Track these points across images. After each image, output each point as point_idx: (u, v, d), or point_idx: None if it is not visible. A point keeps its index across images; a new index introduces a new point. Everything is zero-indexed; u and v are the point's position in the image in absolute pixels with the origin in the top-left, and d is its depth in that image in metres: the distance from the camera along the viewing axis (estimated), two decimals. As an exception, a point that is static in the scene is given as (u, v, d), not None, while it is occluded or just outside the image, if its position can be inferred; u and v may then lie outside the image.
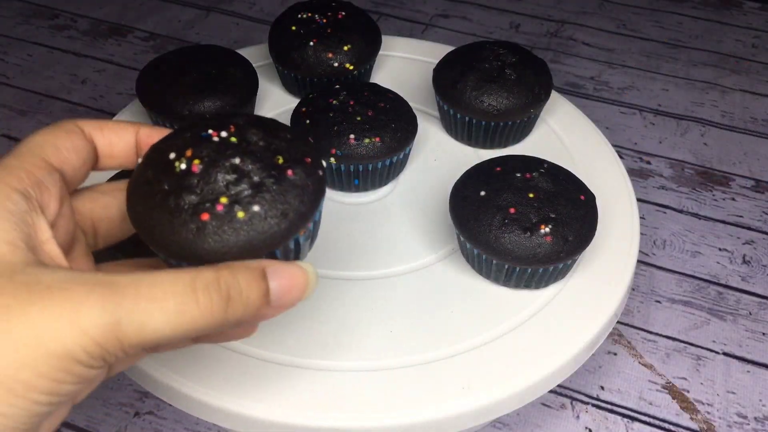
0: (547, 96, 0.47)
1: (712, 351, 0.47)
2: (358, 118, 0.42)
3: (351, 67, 0.49)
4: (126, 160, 0.28)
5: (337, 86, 0.46)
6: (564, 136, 0.49)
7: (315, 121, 0.43)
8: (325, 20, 0.50)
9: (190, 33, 0.75)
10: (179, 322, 0.22)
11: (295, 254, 0.26)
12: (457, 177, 0.41)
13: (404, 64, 0.55)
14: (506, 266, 0.38)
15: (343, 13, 0.50)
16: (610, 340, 0.48)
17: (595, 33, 0.76)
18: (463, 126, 0.47)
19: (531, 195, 0.38)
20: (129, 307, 0.21)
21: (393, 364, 0.35)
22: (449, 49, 0.54)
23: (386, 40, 0.56)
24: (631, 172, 0.60)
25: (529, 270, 0.38)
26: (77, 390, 0.22)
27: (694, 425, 0.43)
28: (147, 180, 0.25)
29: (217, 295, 0.23)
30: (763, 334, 0.48)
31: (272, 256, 0.25)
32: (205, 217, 0.23)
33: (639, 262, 0.52)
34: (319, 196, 0.25)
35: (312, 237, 0.27)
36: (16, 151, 0.25)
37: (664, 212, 0.57)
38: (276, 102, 0.52)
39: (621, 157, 0.56)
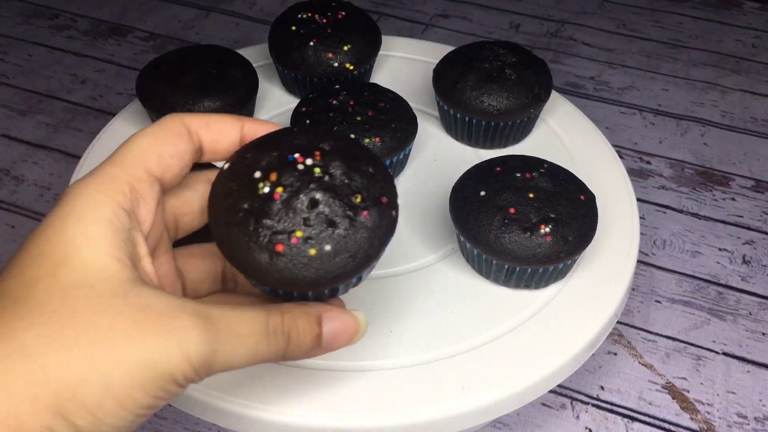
0: (547, 96, 0.47)
1: (712, 351, 0.47)
2: (358, 118, 0.42)
3: (351, 67, 0.49)
4: (228, 154, 0.29)
5: (337, 86, 0.46)
6: (564, 136, 0.49)
7: (315, 121, 0.43)
8: (325, 20, 0.50)
9: (190, 33, 0.75)
10: (252, 358, 0.25)
11: (355, 284, 0.28)
12: (457, 177, 0.41)
13: (404, 64, 0.55)
14: (506, 266, 0.38)
15: (343, 13, 0.50)
16: (610, 340, 0.48)
17: (595, 33, 0.76)
18: (463, 126, 0.47)
19: (531, 195, 0.38)
20: (223, 341, 0.24)
21: (393, 364, 0.35)
22: (449, 49, 0.54)
23: (386, 40, 0.56)
24: (631, 172, 0.60)
25: (529, 270, 0.38)
26: (163, 403, 0.24)
27: (694, 425, 0.43)
28: (230, 192, 0.26)
29: (281, 337, 0.26)
30: (763, 334, 0.48)
31: (335, 292, 0.28)
32: (280, 248, 0.25)
33: (639, 262, 0.52)
34: (388, 238, 0.27)
35: (373, 268, 0.28)
36: (120, 157, 0.26)
37: (664, 212, 0.57)
38: (276, 102, 0.52)
39: (621, 157, 0.56)
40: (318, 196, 0.26)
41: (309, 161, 0.26)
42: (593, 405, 0.44)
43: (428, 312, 0.38)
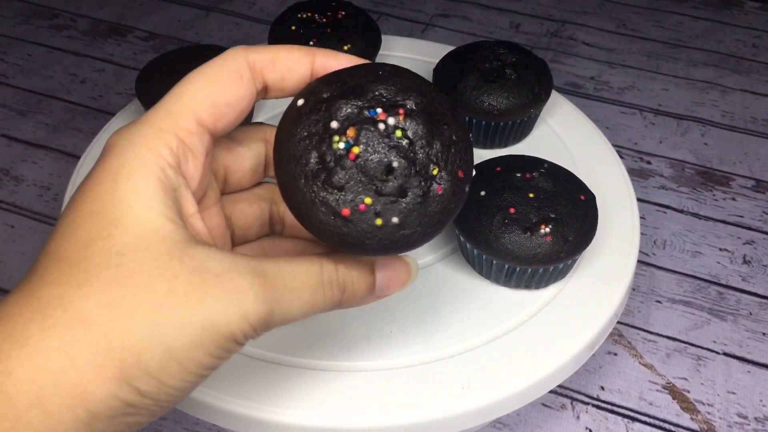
0: (548, 96, 0.47)
1: (713, 351, 0.47)
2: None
3: (351, 67, 0.49)
4: (296, 90, 0.27)
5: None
6: (564, 136, 0.49)
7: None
8: (324, 20, 0.50)
9: (189, 33, 0.75)
10: (309, 310, 0.25)
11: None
12: (457, 177, 0.41)
13: (404, 64, 0.55)
14: (506, 266, 0.38)
15: (343, 13, 0.50)
16: (610, 340, 0.48)
17: (595, 33, 0.76)
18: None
19: (531, 195, 0.38)
20: (279, 297, 0.24)
21: (393, 364, 0.35)
22: (449, 48, 0.53)
23: (386, 39, 0.56)
24: (632, 172, 0.60)
25: (529, 270, 0.38)
26: (223, 363, 0.24)
27: (694, 425, 0.43)
28: (302, 137, 0.25)
29: (337, 288, 0.26)
30: (764, 334, 0.48)
31: None
32: (347, 212, 0.24)
33: (639, 262, 0.52)
34: (455, 213, 0.26)
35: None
36: (169, 104, 0.25)
37: (665, 212, 0.57)
38: (276, 102, 0.52)
39: (621, 157, 0.56)
40: (395, 163, 0.24)
41: (391, 120, 0.25)
42: (593, 405, 0.44)
43: (428, 312, 0.38)
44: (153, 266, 0.22)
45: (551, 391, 0.44)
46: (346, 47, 0.49)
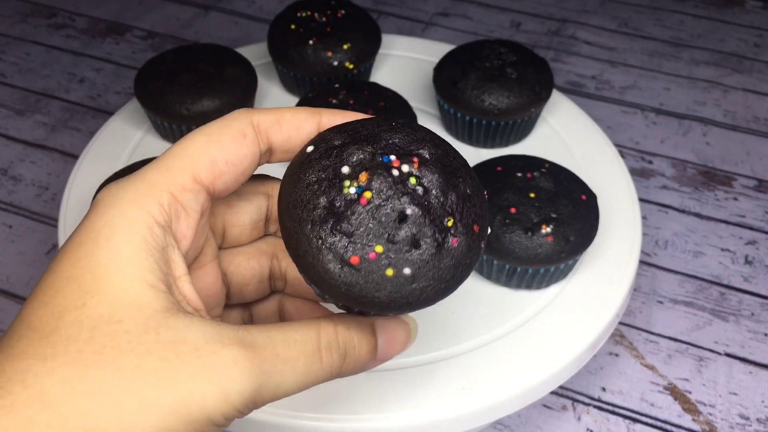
0: (548, 95, 0.47)
1: (714, 352, 0.47)
2: (358, 117, 0.42)
3: (351, 66, 0.49)
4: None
5: (337, 85, 0.46)
6: (565, 135, 0.49)
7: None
8: (324, 19, 0.49)
9: (188, 32, 0.75)
10: (305, 382, 0.23)
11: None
12: (458, 176, 0.41)
13: (404, 63, 0.55)
14: (507, 267, 0.38)
15: (343, 12, 0.50)
16: (611, 341, 0.47)
17: (596, 32, 0.76)
18: (463, 125, 0.47)
19: (532, 195, 0.38)
20: (269, 370, 0.21)
21: (393, 364, 0.35)
22: (450, 47, 0.53)
23: (386, 38, 0.56)
24: (633, 172, 0.59)
25: (530, 270, 0.38)
26: None
27: (696, 427, 0.43)
28: (310, 182, 0.23)
29: (336, 353, 0.24)
30: (766, 334, 0.48)
31: None
32: (355, 260, 0.22)
33: (641, 262, 0.52)
34: (470, 270, 0.24)
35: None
36: (166, 160, 0.23)
37: (666, 212, 0.56)
38: (275, 101, 0.52)
39: (623, 156, 0.56)
40: (408, 211, 0.23)
41: (405, 168, 0.23)
42: (594, 406, 0.44)
43: (428, 312, 0.38)
44: (125, 340, 0.20)
45: (552, 392, 0.43)
46: (345, 46, 0.48)
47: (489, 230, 0.25)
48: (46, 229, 0.54)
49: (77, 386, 0.19)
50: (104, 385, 0.19)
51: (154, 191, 0.22)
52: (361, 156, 0.23)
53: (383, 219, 0.23)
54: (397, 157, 0.23)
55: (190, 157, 0.23)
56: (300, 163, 0.24)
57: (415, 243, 0.23)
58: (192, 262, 0.26)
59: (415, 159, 0.24)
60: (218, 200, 0.26)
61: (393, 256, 0.23)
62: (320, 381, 0.23)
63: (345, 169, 0.23)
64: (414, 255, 0.23)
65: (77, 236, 0.22)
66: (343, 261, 0.22)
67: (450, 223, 0.23)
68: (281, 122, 0.25)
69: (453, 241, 0.23)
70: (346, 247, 0.22)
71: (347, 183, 0.23)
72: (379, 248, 0.23)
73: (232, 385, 0.20)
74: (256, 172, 0.27)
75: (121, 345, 0.20)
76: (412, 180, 0.23)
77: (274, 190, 0.28)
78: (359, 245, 0.23)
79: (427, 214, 0.23)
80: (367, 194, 0.23)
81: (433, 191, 0.23)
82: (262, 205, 0.27)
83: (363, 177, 0.23)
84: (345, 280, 0.23)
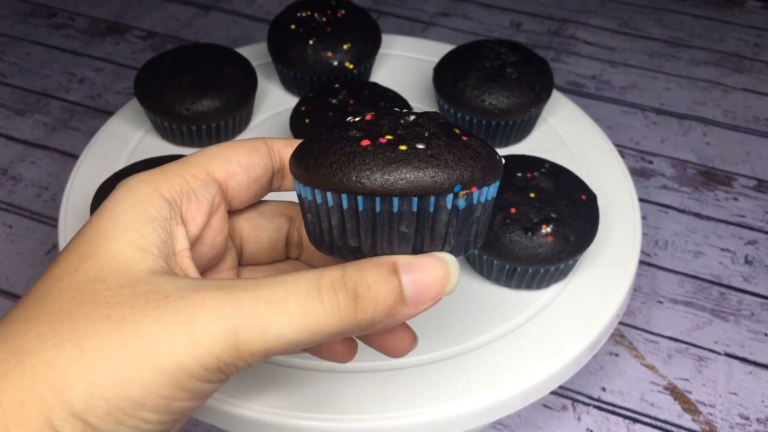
0: (548, 95, 0.47)
1: (714, 352, 0.47)
2: (358, 117, 0.42)
3: (351, 66, 0.49)
4: None
5: (337, 85, 0.46)
6: (565, 135, 0.49)
7: (314, 120, 0.43)
8: (324, 19, 0.49)
9: (188, 31, 0.74)
10: (304, 325, 0.20)
11: (449, 226, 0.23)
12: (458, 176, 0.41)
13: (404, 63, 0.55)
14: (507, 267, 0.38)
15: (343, 12, 0.50)
16: (611, 341, 0.47)
17: (596, 32, 0.76)
18: (463, 125, 0.47)
19: (532, 195, 0.38)
20: (247, 311, 0.19)
21: (393, 364, 0.35)
22: (450, 47, 0.53)
23: (386, 38, 0.56)
24: (633, 172, 0.59)
25: (530, 270, 0.37)
26: (192, 406, 0.20)
27: (696, 427, 0.43)
28: (317, 132, 0.24)
29: (343, 293, 0.21)
30: (766, 334, 0.48)
31: (422, 213, 0.22)
32: (366, 143, 0.22)
33: (641, 262, 0.52)
34: (491, 168, 0.23)
35: (476, 227, 0.24)
36: (186, 157, 0.25)
37: (666, 212, 0.56)
38: (275, 101, 0.52)
39: (623, 156, 0.56)
40: (412, 118, 0.23)
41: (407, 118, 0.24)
42: (594, 406, 0.44)
43: (428, 312, 0.38)
44: (102, 296, 0.20)
45: (552, 392, 0.43)
46: (345, 46, 0.48)
47: (503, 160, 0.24)
48: (46, 229, 0.54)
49: (49, 338, 0.19)
50: (72, 335, 0.19)
51: (167, 174, 0.23)
52: (361, 118, 0.24)
53: (391, 124, 0.23)
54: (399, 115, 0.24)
55: (205, 155, 0.25)
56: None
57: (425, 138, 0.22)
58: (212, 266, 0.26)
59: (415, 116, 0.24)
60: (238, 214, 0.27)
61: (405, 141, 0.22)
62: (332, 326, 0.20)
63: (349, 119, 0.24)
64: (426, 139, 0.22)
65: (92, 215, 0.23)
66: (354, 147, 0.22)
67: (458, 132, 0.23)
68: (293, 145, 0.26)
69: (464, 138, 0.23)
70: (357, 138, 0.22)
71: (351, 119, 0.24)
72: (389, 136, 0.22)
73: (199, 326, 0.19)
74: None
75: (98, 300, 0.20)
76: (414, 115, 0.24)
77: (297, 213, 0.28)
78: (370, 136, 0.22)
79: (432, 121, 0.23)
80: (372, 114, 0.23)
81: (435, 117, 0.24)
82: (282, 228, 0.28)
83: (368, 116, 0.23)
84: (356, 159, 0.21)
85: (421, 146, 0.22)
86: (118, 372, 0.18)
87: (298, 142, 0.26)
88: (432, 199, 0.22)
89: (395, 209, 0.22)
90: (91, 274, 0.21)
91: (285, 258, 0.29)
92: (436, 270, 0.22)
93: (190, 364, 0.19)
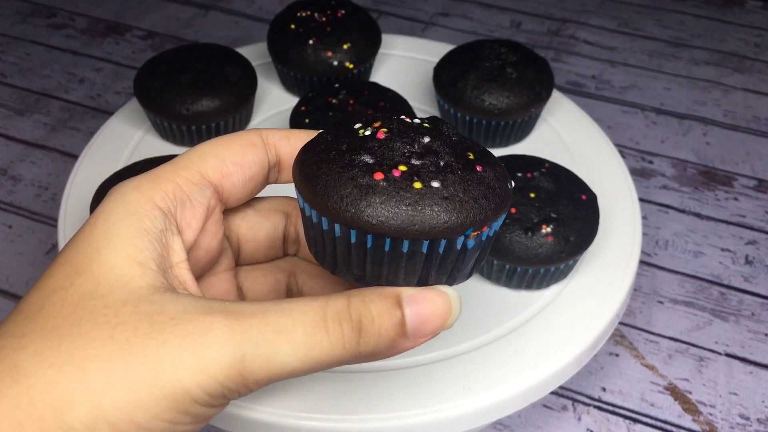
0: (549, 95, 0.47)
1: (715, 352, 0.47)
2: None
3: (351, 66, 0.49)
4: None
5: (337, 85, 0.46)
6: (565, 135, 0.49)
7: (314, 120, 0.43)
8: (324, 19, 0.49)
9: (188, 31, 0.74)
10: (309, 356, 0.20)
11: (456, 262, 0.23)
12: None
13: (404, 63, 0.55)
14: (507, 267, 0.38)
15: (343, 12, 0.50)
16: (611, 341, 0.47)
17: (596, 31, 0.76)
18: (463, 125, 0.47)
19: (532, 195, 0.38)
20: (255, 339, 0.19)
21: (393, 365, 0.35)
22: (450, 47, 0.53)
23: (386, 38, 0.56)
24: (633, 172, 0.59)
25: (530, 270, 0.37)
26: (193, 429, 0.20)
27: (696, 427, 0.43)
28: (325, 140, 0.23)
29: (347, 324, 0.21)
30: (766, 335, 0.48)
31: (432, 253, 0.22)
32: (379, 176, 0.21)
33: (641, 262, 0.52)
34: (503, 204, 0.22)
35: (481, 256, 0.24)
36: (176, 159, 0.24)
37: (667, 212, 0.56)
38: (275, 101, 0.52)
39: (623, 156, 0.56)
40: (427, 140, 0.22)
41: (417, 120, 0.23)
42: (595, 406, 0.44)
43: (428, 313, 0.38)
44: (102, 313, 0.19)
45: (552, 392, 0.43)
46: (345, 46, 0.48)
47: (513, 185, 0.24)
48: (45, 229, 0.54)
49: (47, 358, 0.18)
50: (72, 356, 0.18)
51: (160, 181, 0.23)
52: (370, 118, 0.23)
53: (404, 146, 0.22)
54: (408, 118, 0.23)
55: (198, 155, 0.24)
56: (308, 143, 0.24)
57: (439, 166, 0.21)
58: (208, 269, 0.25)
59: (426, 122, 0.23)
60: (234, 212, 0.26)
61: (419, 174, 0.21)
62: (334, 358, 0.21)
63: (358, 125, 0.23)
64: (441, 173, 0.21)
65: (84, 223, 0.22)
66: (366, 179, 0.21)
67: (471, 157, 0.22)
68: (290, 137, 0.25)
69: (478, 167, 0.22)
70: (368, 168, 0.21)
71: (361, 131, 0.22)
72: (402, 167, 0.21)
73: (207, 352, 0.19)
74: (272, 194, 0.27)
75: (98, 318, 0.19)
76: (426, 124, 0.23)
77: (294, 209, 0.27)
78: (383, 166, 0.21)
79: (446, 144, 0.22)
80: (384, 130, 0.22)
81: (448, 132, 0.23)
82: (279, 224, 0.27)
83: (377, 123, 0.23)
84: (368, 198, 0.20)
85: (436, 184, 0.21)
86: (122, 395, 0.18)
87: (295, 134, 0.25)
88: (443, 241, 0.22)
89: (405, 250, 0.21)
90: (87, 289, 0.20)
91: (283, 254, 0.28)
92: (439, 305, 0.22)
93: (196, 390, 0.19)
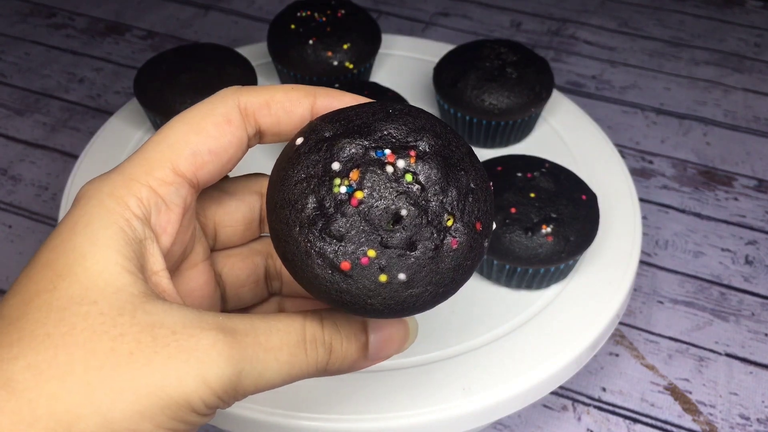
0: (549, 95, 0.47)
1: (715, 352, 0.47)
2: (358, 117, 0.42)
3: (351, 66, 0.49)
4: (292, 135, 0.24)
5: (337, 85, 0.46)
6: (565, 135, 0.49)
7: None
8: (324, 18, 0.49)
9: (188, 31, 0.74)
10: (289, 373, 0.22)
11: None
12: (458, 176, 0.40)
13: (404, 63, 0.55)
14: (507, 267, 0.38)
15: (343, 12, 0.50)
16: (611, 341, 0.47)
17: (596, 31, 0.76)
18: (463, 125, 0.47)
19: (532, 195, 0.38)
20: (250, 357, 0.21)
21: (393, 365, 0.35)
22: (450, 47, 0.53)
23: (386, 38, 0.56)
24: (633, 172, 0.59)
25: (531, 270, 0.37)
26: None
27: (696, 427, 0.43)
28: (298, 180, 0.22)
29: (322, 347, 0.23)
30: (766, 335, 0.48)
31: None
32: (346, 266, 0.21)
33: (641, 262, 0.52)
34: (471, 272, 0.23)
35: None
36: (146, 152, 0.22)
37: (667, 212, 0.56)
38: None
39: (623, 156, 0.56)
40: (403, 211, 0.21)
41: (401, 163, 0.22)
42: (595, 407, 0.44)
43: (428, 313, 0.37)
44: (98, 322, 0.19)
45: (552, 392, 0.43)
46: (345, 46, 0.48)
47: (494, 225, 0.24)
48: (45, 229, 0.54)
49: (45, 370, 0.18)
50: (74, 368, 0.18)
51: (133, 185, 0.22)
52: (353, 150, 0.22)
53: (376, 221, 0.21)
54: (393, 151, 0.22)
55: (170, 148, 0.22)
56: (288, 158, 0.22)
57: (410, 246, 0.21)
58: (181, 261, 0.25)
59: (412, 152, 0.22)
60: (209, 199, 0.26)
61: (387, 261, 0.21)
62: (306, 375, 0.23)
63: (335, 166, 0.22)
64: (409, 259, 0.21)
65: (58, 227, 0.21)
66: (333, 266, 0.21)
67: (450, 223, 0.22)
68: (271, 104, 0.24)
69: (452, 242, 0.22)
70: (337, 252, 0.21)
71: (337, 182, 0.21)
72: (371, 253, 0.21)
73: (210, 368, 0.19)
74: (248, 169, 0.26)
75: (94, 327, 0.19)
76: (408, 177, 0.22)
77: (266, 186, 0.26)
78: (350, 250, 0.21)
79: (424, 215, 0.22)
80: (359, 194, 0.21)
81: (431, 189, 0.22)
82: (254, 205, 0.27)
83: (354, 175, 0.21)
84: (335, 287, 0.21)
85: (402, 277, 0.21)
86: (130, 407, 0.19)
87: (276, 100, 0.24)
88: None
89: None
90: (73, 293, 0.20)
91: (258, 235, 0.28)
92: (400, 331, 0.25)
93: (197, 401, 0.20)
